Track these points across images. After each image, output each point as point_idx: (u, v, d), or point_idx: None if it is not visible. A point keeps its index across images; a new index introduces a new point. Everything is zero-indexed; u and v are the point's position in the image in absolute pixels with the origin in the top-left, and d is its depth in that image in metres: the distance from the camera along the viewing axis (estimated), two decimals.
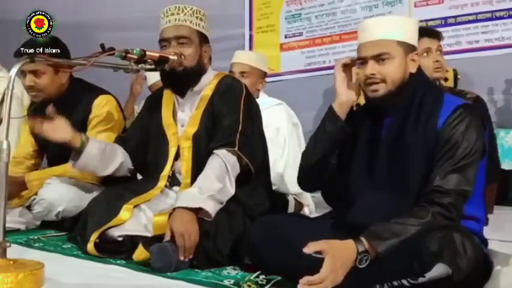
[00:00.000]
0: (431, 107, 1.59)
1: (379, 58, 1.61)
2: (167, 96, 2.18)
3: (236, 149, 1.92)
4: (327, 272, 1.36)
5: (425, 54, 2.44)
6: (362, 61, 1.65)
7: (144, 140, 2.19)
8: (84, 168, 2.11)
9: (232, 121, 1.98)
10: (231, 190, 1.89)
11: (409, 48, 1.64)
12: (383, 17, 1.81)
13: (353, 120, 1.75)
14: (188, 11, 2.05)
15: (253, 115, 2.08)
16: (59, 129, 2.00)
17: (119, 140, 2.25)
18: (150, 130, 2.18)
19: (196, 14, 2.07)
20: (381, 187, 1.59)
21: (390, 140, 1.62)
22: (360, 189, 1.63)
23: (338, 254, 1.39)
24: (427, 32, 2.53)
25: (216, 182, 1.84)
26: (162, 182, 2.06)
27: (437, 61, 2.48)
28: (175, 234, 1.71)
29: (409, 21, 1.74)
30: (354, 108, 1.78)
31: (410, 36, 1.66)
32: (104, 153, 2.08)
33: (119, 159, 2.14)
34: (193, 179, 1.98)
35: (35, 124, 1.98)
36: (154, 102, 2.23)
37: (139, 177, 2.38)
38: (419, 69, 1.68)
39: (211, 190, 1.81)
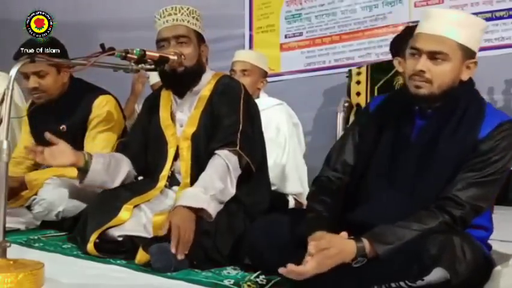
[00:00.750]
0: (474, 118, 1.51)
1: (434, 56, 1.49)
2: (165, 96, 2.18)
3: (237, 148, 1.91)
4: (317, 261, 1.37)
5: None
6: (415, 52, 1.53)
7: (145, 143, 2.19)
8: (92, 186, 2.09)
9: (233, 121, 1.98)
10: (232, 190, 1.89)
11: (468, 54, 1.52)
12: (452, 11, 1.64)
13: (380, 113, 1.67)
14: (185, 11, 2.05)
15: (253, 114, 2.08)
16: (60, 155, 1.96)
17: (122, 146, 2.25)
18: (149, 131, 2.18)
19: (193, 14, 2.07)
20: (402, 189, 1.52)
21: (422, 143, 1.54)
22: (378, 189, 1.56)
23: (336, 243, 1.40)
24: None
25: (218, 182, 1.84)
26: (162, 182, 2.06)
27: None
28: (172, 226, 1.70)
29: (477, 24, 1.57)
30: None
31: (474, 40, 1.53)
32: (109, 167, 2.06)
33: (124, 170, 2.13)
34: (193, 178, 1.98)
35: (36, 154, 1.94)
36: (152, 104, 2.23)
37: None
38: (471, 79, 1.58)
39: (213, 190, 1.81)
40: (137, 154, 2.18)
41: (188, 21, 2.04)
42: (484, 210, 1.49)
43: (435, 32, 1.50)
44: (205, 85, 2.11)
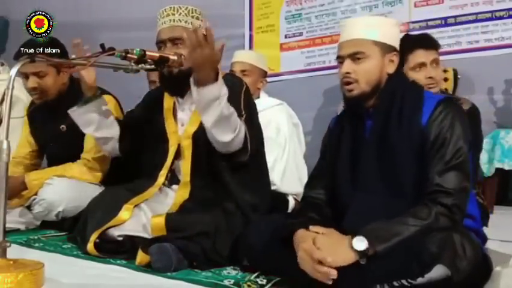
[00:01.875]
0: (413, 105, 1.59)
1: (355, 57, 1.62)
2: (168, 95, 2.18)
3: (243, 119, 1.91)
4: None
5: (417, 69, 2.21)
6: (340, 60, 1.67)
7: (130, 129, 2.18)
8: (80, 117, 2.11)
9: (236, 110, 1.97)
10: (226, 137, 1.84)
11: (387, 49, 1.65)
12: (362, 17, 1.82)
13: (338, 126, 1.76)
14: (183, 11, 2.04)
15: (253, 109, 2.07)
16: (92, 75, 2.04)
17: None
18: (146, 128, 2.17)
19: (192, 13, 2.05)
20: (372, 191, 1.57)
21: (375, 142, 1.61)
22: (349, 195, 1.61)
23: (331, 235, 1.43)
24: (422, 42, 2.27)
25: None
26: (161, 180, 2.06)
27: (430, 77, 2.22)
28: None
29: (387, 22, 1.75)
30: (338, 113, 1.78)
31: (389, 36, 1.67)
32: (105, 120, 2.10)
33: (113, 133, 2.15)
34: (193, 178, 1.98)
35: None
36: (154, 100, 2.22)
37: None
38: (398, 69, 1.68)
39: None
40: (126, 137, 2.18)
41: (186, 22, 2.02)
42: (469, 188, 1.52)
43: (349, 37, 1.66)
44: None
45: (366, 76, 1.62)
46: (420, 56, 2.23)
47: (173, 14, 2.02)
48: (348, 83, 1.63)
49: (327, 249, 1.39)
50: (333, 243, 1.42)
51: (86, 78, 2.04)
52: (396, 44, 1.69)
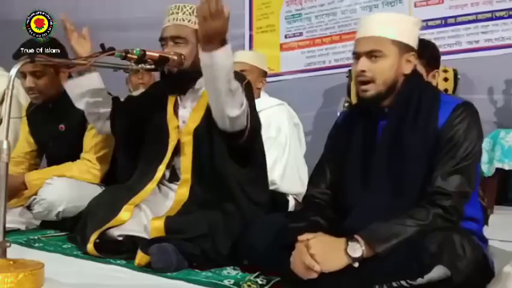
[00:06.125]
0: (429, 107, 1.56)
1: (371, 55, 1.58)
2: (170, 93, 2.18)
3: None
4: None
5: None
6: (356, 56, 1.63)
7: (127, 111, 2.18)
8: (73, 89, 2.12)
9: None
10: (241, 100, 1.83)
11: (405, 48, 1.60)
12: (382, 13, 1.78)
13: (347, 123, 1.73)
14: (187, 10, 2.04)
15: (252, 102, 2.04)
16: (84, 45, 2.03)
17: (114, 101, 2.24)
18: (146, 123, 2.16)
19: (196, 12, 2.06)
20: (380, 191, 1.55)
21: (387, 142, 1.58)
22: (357, 195, 1.59)
23: (325, 239, 1.43)
24: (427, 58, 2.12)
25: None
26: (159, 174, 2.05)
27: None
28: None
29: (408, 20, 1.68)
30: (344, 109, 1.76)
31: (408, 35, 1.62)
32: (99, 93, 2.11)
33: (106, 110, 2.16)
34: (193, 175, 1.98)
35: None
36: (157, 94, 2.20)
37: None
38: (415, 70, 1.65)
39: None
40: (120, 119, 2.17)
41: (189, 21, 2.02)
42: (470, 195, 1.51)
43: (367, 34, 1.60)
44: None
45: (382, 75, 1.58)
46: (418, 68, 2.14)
47: (177, 13, 2.03)
48: (364, 83, 1.59)
49: (319, 254, 1.39)
50: (327, 247, 1.41)
51: (79, 51, 2.02)
52: (414, 43, 1.64)
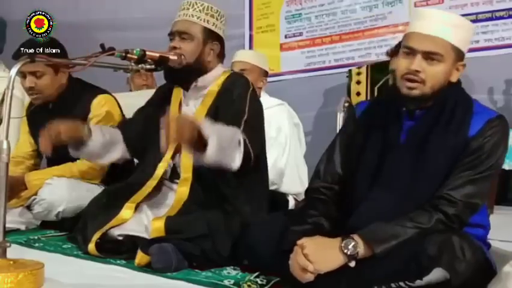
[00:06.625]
0: (463, 115, 1.52)
1: (429, 56, 1.49)
2: (177, 89, 2.18)
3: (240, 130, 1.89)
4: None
5: None
6: (409, 51, 1.52)
7: (144, 131, 2.16)
8: (90, 158, 2.17)
9: (238, 111, 1.96)
10: (236, 161, 1.82)
11: (459, 56, 1.54)
12: (444, 12, 1.63)
13: (367, 117, 1.67)
14: (198, 7, 2.07)
15: (258, 111, 2.07)
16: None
17: (123, 124, 2.26)
18: (154, 120, 2.16)
19: (207, 10, 2.08)
20: (392, 192, 1.50)
21: (412, 144, 1.53)
22: (366, 193, 1.55)
23: (319, 240, 1.42)
24: None
25: (230, 133, 1.81)
26: (160, 171, 2.05)
27: None
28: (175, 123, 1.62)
29: (469, 26, 1.59)
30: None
31: (464, 42, 1.54)
32: (104, 146, 2.09)
33: (117, 154, 2.14)
34: (194, 173, 1.98)
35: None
36: (164, 94, 2.22)
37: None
38: (459, 80, 1.59)
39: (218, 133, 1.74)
40: (134, 138, 2.17)
41: (198, 17, 2.05)
42: (479, 207, 1.49)
43: (430, 32, 1.50)
44: (214, 81, 2.11)
45: (434, 79, 1.50)
46: None
47: (188, 9, 2.07)
48: (412, 81, 1.51)
49: (312, 253, 1.38)
50: (321, 247, 1.40)
51: (43, 149, 1.97)
52: (466, 51, 1.57)
